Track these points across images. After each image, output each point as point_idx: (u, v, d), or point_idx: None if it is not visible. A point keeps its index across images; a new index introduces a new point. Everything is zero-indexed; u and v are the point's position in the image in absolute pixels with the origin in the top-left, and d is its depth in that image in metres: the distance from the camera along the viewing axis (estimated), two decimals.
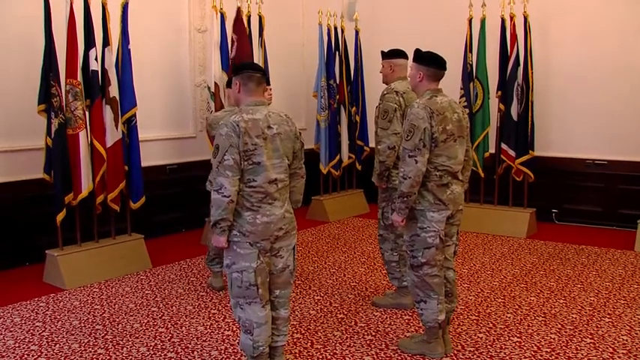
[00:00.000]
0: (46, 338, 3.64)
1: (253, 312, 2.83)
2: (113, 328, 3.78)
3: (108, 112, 4.77)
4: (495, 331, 3.71)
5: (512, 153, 6.22)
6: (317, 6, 7.13)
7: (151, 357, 3.37)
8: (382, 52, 4.10)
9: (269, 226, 2.78)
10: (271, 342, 2.94)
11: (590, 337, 3.62)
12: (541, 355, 3.36)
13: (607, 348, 3.46)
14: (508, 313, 4.02)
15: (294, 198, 2.97)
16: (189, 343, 3.54)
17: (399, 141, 3.74)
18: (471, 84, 6.39)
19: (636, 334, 3.67)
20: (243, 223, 2.76)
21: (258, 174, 2.75)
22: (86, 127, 4.68)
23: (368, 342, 3.56)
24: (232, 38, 5.90)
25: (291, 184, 2.94)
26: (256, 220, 2.76)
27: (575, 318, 3.93)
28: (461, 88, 6.38)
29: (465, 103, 6.33)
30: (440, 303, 3.25)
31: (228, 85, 4.18)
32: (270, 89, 4.34)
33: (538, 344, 3.51)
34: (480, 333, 3.68)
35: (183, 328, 3.79)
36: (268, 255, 2.84)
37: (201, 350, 3.44)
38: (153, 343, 3.55)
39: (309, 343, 3.54)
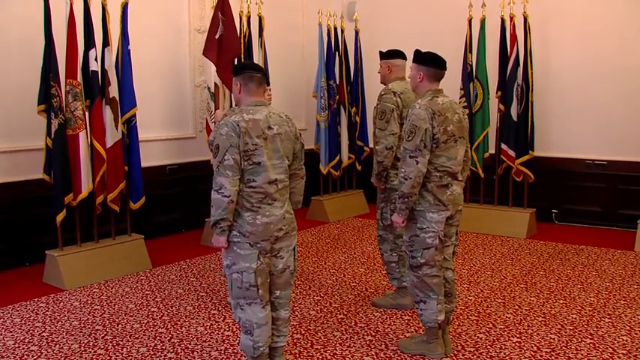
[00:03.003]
0: (46, 339, 3.64)
1: (253, 313, 2.83)
2: (113, 329, 3.78)
3: (108, 113, 4.77)
4: (495, 331, 3.71)
5: (512, 153, 6.22)
6: (317, 6, 7.13)
7: (151, 357, 3.36)
8: (380, 53, 4.09)
9: (269, 226, 2.78)
10: (271, 343, 2.94)
11: (590, 337, 3.62)
12: (541, 356, 3.36)
13: (607, 348, 3.46)
14: (508, 313, 4.02)
15: (294, 199, 2.97)
16: (189, 344, 3.54)
17: (397, 141, 3.74)
18: (471, 84, 6.38)
19: (636, 334, 3.67)
20: (243, 223, 2.76)
21: (259, 174, 2.75)
22: (86, 128, 4.68)
23: (368, 342, 3.56)
24: (219, 18, 5.54)
25: (291, 185, 2.94)
26: (256, 221, 2.76)
27: (575, 318, 3.92)
28: (461, 89, 6.38)
29: (465, 104, 6.33)
30: (439, 303, 3.25)
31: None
32: (270, 89, 4.34)
33: (538, 344, 3.51)
34: (480, 333, 3.68)
35: (183, 328, 3.79)
36: (268, 256, 2.84)
37: (201, 351, 3.44)
38: (153, 344, 3.55)
39: (309, 344, 3.54)
